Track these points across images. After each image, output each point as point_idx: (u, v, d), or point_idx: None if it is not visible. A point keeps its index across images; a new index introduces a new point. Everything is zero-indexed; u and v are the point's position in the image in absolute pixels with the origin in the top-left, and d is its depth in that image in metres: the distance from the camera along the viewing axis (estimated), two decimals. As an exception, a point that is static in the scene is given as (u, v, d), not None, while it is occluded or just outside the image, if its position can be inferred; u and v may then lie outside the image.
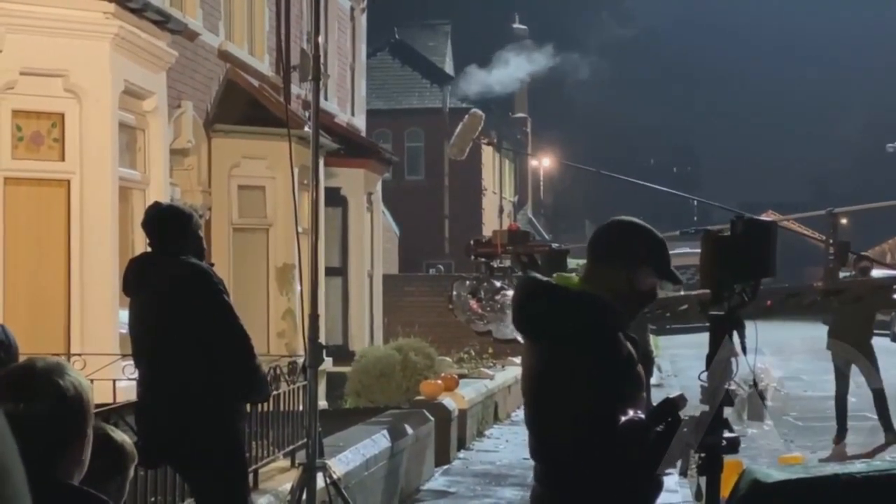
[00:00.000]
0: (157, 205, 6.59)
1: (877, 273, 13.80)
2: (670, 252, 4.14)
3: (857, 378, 14.39)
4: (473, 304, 12.15)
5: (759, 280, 4.19)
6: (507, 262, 12.34)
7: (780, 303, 12.39)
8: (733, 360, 3.99)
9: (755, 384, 4.12)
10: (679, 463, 3.85)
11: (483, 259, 12.22)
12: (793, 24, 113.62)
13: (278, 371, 8.80)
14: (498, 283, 12.25)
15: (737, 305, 4.13)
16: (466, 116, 13.15)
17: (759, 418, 4.22)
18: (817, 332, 16.55)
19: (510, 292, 12.31)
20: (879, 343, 14.87)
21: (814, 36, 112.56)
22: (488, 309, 12.22)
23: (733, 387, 3.95)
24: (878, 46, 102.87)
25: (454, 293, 12.28)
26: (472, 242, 12.28)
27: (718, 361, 3.88)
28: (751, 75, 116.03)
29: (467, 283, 12.35)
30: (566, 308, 3.99)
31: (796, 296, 12.74)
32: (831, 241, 12.32)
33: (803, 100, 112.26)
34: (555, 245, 12.91)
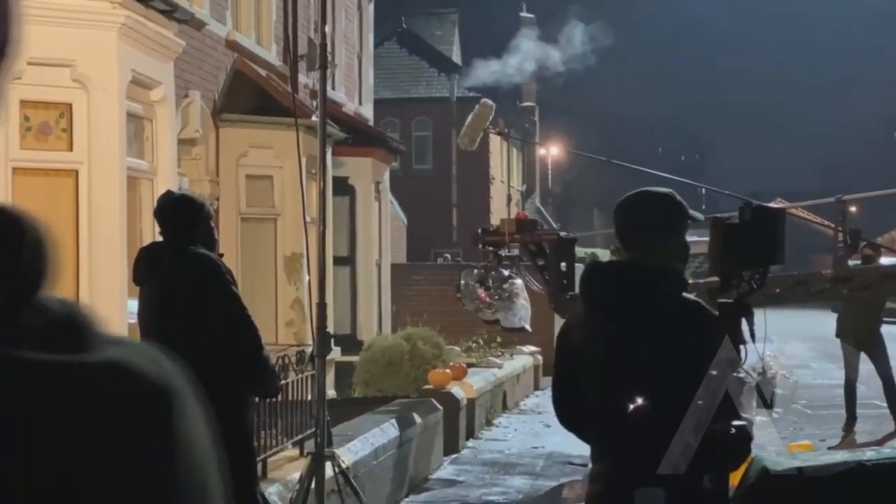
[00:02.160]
0: (169, 193, 6.58)
1: (885, 261, 13.76)
2: None
3: (866, 366, 14.38)
4: (481, 292, 12.14)
5: (768, 267, 4.17)
6: (516, 251, 12.32)
7: (789, 290, 12.37)
8: (742, 348, 3.98)
9: (763, 372, 4.10)
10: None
11: (491, 248, 12.20)
12: (804, 12, 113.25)
13: (287, 360, 8.80)
14: (506, 272, 12.23)
15: (745, 292, 4.11)
16: (477, 106, 13.10)
17: (768, 406, 4.20)
18: (827, 320, 16.52)
19: (518, 281, 12.30)
20: (889, 331, 14.84)
21: (824, 24, 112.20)
22: (496, 297, 12.21)
23: (742, 374, 3.93)
24: (890, 35, 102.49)
25: (462, 282, 12.27)
26: (479, 231, 12.26)
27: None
28: (760, 63, 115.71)
29: (475, 271, 12.34)
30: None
31: (805, 283, 12.72)
32: (840, 228, 12.30)
33: (813, 88, 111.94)
34: (563, 233, 12.88)
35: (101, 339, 1.01)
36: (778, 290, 12.14)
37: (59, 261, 1.04)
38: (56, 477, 0.93)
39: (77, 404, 0.95)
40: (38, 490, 0.93)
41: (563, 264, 11.39)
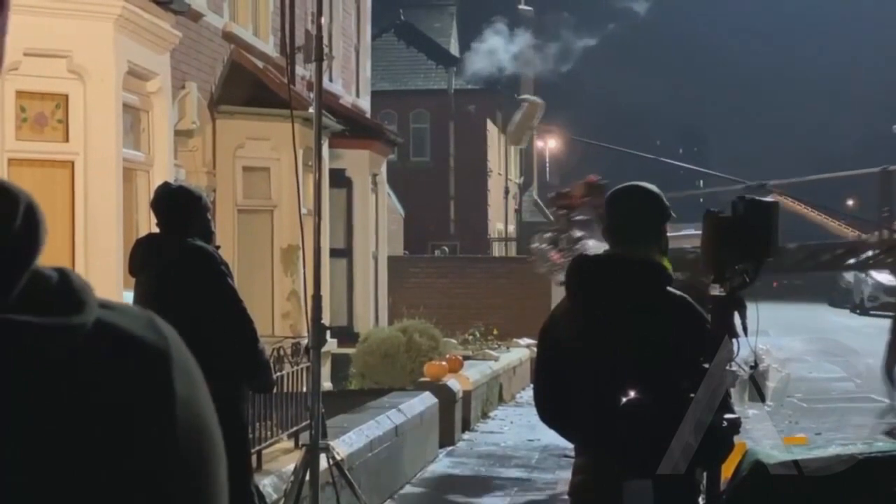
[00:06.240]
0: (166, 185, 6.58)
1: None
2: (677, 234, 4.19)
3: (864, 360, 14.38)
4: (554, 255, 12.13)
5: (761, 260, 4.18)
6: (586, 215, 12.38)
7: (834, 258, 12.24)
8: (735, 341, 3.98)
9: (756, 365, 4.11)
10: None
11: (563, 210, 12.24)
12: (803, 4, 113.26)
13: (282, 352, 8.80)
14: (578, 234, 12.23)
15: (738, 286, 4.12)
16: (525, 104, 13.13)
17: (760, 399, 4.22)
18: (824, 314, 16.53)
19: (590, 241, 12.32)
20: (886, 325, 14.83)
21: (823, 16, 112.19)
22: (569, 258, 12.21)
23: (734, 368, 3.95)
24: (888, 27, 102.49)
25: (535, 245, 12.31)
26: (554, 195, 12.38)
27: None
28: (759, 56, 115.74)
29: (547, 234, 12.36)
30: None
31: (852, 251, 12.60)
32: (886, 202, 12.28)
33: (811, 81, 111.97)
34: None
35: (95, 303, 1.01)
36: (776, 284, 12.14)
37: (49, 231, 1.05)
38: (48, 439, 0.93)
39: (69, 365, 0.95)
40: (27, 451, 0.92)
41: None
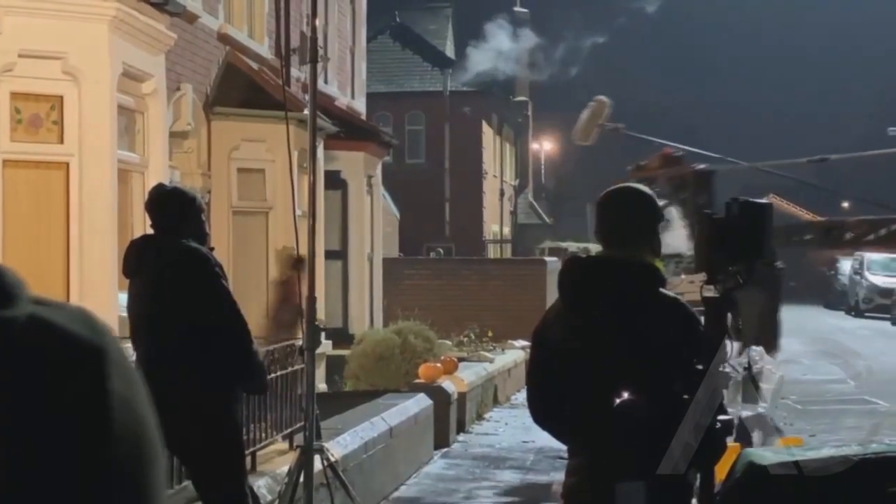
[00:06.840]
0: (160, 186, 6.58)
1: None
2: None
3: (863, 362, 14.41)
4: None
5: (755, 262, 4.18)
6: (662, 187, 12.45)
7: (890, 234, 12.09)
8: (728, 343, 3.99)
9: (750, 367, 4.12)
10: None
11: (641, 183, 12.29)
12: (799, 9, 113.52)
13: (276, 354, 8.80)
14: (660, 202, 12.24)
15: (731, 287, 4.13)
16: (592, 102, 13.13)
17: (754, 401, 4.22)
18: (819, 315, 16.56)
19: (671, 208, 12.40)
20: (880, 326, 14.87)
21: (818, 20, 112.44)
22: None
23: (728, 369, 3.95)
24: (882, 31, 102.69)
25: None
26: (633, 167, 12.46)
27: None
28: (755, 58, 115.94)
29: None
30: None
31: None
32: None
33: (806, 83, 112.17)
34: (700, 166, 13.03)
35: (29, 298, 0.99)
36: (883, 234, 12.02)
37: (44, 232, 1.04)
38: None
39: (1, 359, 0.93)
40: None
41: (702, 195, 11.60)
